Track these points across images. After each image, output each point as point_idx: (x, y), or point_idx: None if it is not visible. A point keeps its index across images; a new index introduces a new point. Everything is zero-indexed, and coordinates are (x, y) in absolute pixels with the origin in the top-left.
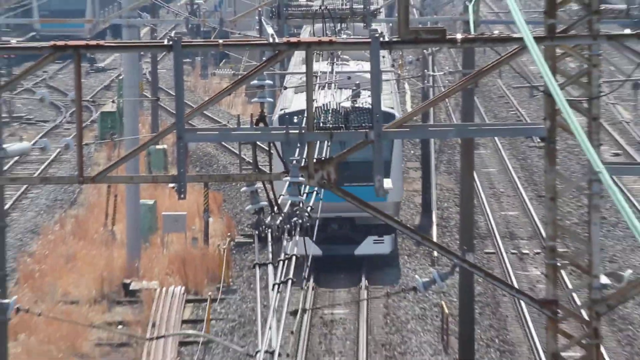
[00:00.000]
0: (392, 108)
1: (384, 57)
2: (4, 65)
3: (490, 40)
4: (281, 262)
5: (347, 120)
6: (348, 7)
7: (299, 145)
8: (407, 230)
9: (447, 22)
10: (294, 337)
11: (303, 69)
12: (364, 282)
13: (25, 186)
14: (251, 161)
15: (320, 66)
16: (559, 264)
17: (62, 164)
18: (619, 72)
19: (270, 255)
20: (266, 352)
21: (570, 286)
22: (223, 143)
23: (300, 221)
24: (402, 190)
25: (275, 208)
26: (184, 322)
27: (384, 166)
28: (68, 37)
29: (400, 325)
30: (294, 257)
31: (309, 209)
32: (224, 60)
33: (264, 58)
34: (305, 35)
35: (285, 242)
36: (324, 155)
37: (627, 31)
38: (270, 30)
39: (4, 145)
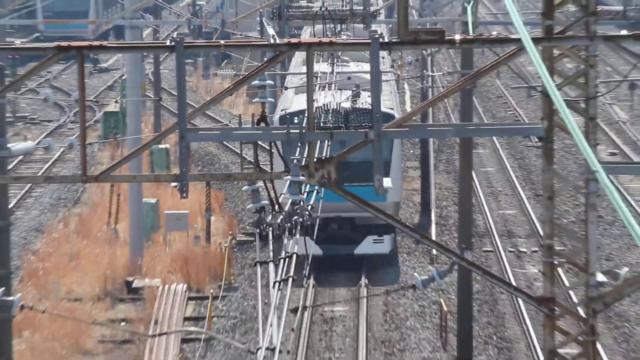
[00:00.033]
0: (392, 109)
1: (383, 57)
2: (9, 66)
3: (489, 41)
4: (282, 261)
5: (347, 120)
6: (348, 8)
7: (299, 144)
8: (407, 228)
9: (446, 23)
10: (295, 334)
11: (303, 69)
12: (363, 280)
13: (29, 185)
14: (252, 160)
15: (321, 67)
16: (556, 262)
17: (66, 163)
18: (616, 72)
19: (271, 254)
20: (267, 349)
21: (567, 284)
22: (224, 143)
23: (300, 220)
24: (401, 190)
25: (276, 207)
26: (186, 319)
27: (384, 166)
28: (72, 38)
29: (400, 323)
30: (294, 256)
31: (309, 207)
32: (225, 61)
33: (265, 59)
34: (306, 36)
35: (286, 241)
36: (324, 155)
37: (624, 32)
38: (271, 31)
39: (9, 145)
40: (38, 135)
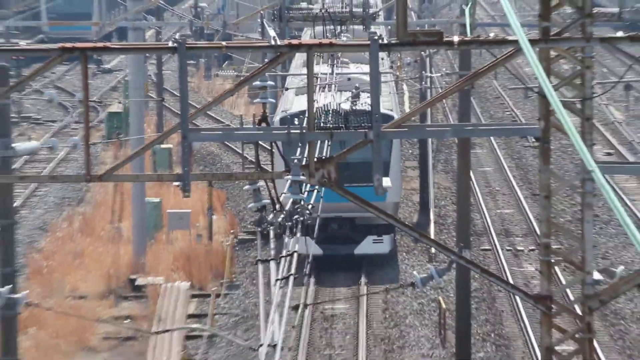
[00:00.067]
0: (391, 110)
1: (382, 59)
2: (13, 67)
3: (486, 43)
4: (283, 259)
5: (347, 121)
6: (348, 10)
7: (300, 144)
8: (406, 227)
9: (444, 25)
10: (296, 331)
11: (304, 71)
12: (363, 280)
13: (34, 184)
14: (253, 160)
15: (321, 69)
16: (553, 261)
17: (70, 163)
18: (612, 73)
19: (273, 252)
20: (269, 345)
21: (564, 282)
22: (226, 143)
23: (301, 218)
24: (400, 190)
25: (277, 206)
26: (189, 316)
27: (383, 166)
28: (75, 39)
29: (399, 320)
30: (295, 254)
31: (310, 206)
32: (227, 62)
33: (266, 60)
34: (306, 37)
35: (286, 239)
36: (323, 156)
37: (620, 34)
38: (272, 33)
39: (13, 145)
40: (43, 135)
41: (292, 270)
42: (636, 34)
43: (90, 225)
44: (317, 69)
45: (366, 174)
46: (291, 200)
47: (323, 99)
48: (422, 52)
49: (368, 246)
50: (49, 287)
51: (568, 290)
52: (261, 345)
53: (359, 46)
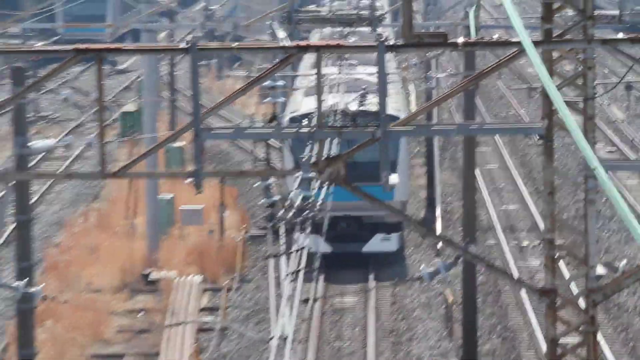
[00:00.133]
0: (399, 110)
1: (389, 60)
2: (30, 68)
3: (490, 44)
4: (293, 254)
5: (355, 121)
6: (355, 13)
7: (309, 143)
8: (413, 223)
9: (449, 27)
10: (306, 324)
11: (312, 72)
12: (371, 276)
13: (51, 181)
14: (264, 158)
15: (329, 70)
16: (557, 255)
17: (86, 160)
18: (613, 74)
19: (284, 247)
20: (279, 338)
21: (568, 276)
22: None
23: (310, 214)
24: (408, 189)
25: (287, 202)
26: (201, 309)
27: (391, 165)
28: (90, 41)
29: (407, 313)
30: (305, 249)
31: (318, 203)
32: (238, 63)
33: (275, 60)
34: (314, 39)
35: (296, 235)
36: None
37: (620, 35)
38: (281, 35)
39: (30, 143)
40: (59, 134)
41: (302, 265)
42: (636, 35)
43: (106, 221)
44: (324, 71)
45: (374, 173)
46: (301, 196)
47: (331, 100)
48: (427, 54)
49: (376, 244)
50: (65, 281)
51: (572, 284)
52: (272, 337)
53: (366, 47)
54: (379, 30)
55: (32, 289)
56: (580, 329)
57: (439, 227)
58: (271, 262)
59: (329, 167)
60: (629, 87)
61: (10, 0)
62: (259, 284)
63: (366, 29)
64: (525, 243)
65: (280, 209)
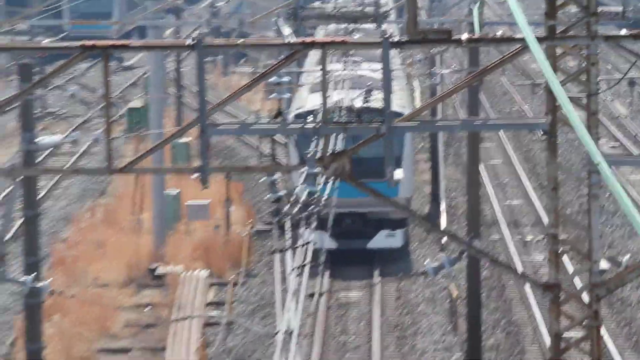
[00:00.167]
0: (404, 107)
1: (394, 56)
2: (37, 64)
3: (494, 41)
4: (299, 249)
5: (360, 117)
6: (360, 9)
7: (314, 139)
8: (418, 218)
9: (453, 23)
10: (312, 318)
11: (317, 68)
12: (377, 271)
13: (58, 176)
14: (269, 154)
15: (334, 67)
16: (560, 250)
17: (92, 156)
18: (616, 70)
19: (289, 242)
20: (285, 332)
21: (571, 271)
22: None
23: (316, 209)
24: (413, 185)
25: (292, 197)
26: (207, 304)
27: (395, 161)
28: (97, 37)
29: (412, 308)
30: (310, 244)
31: (323, 199)
32: (243, 59)
33: (280, 57)
34: (319, 36)
35: (302, 230)
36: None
37: (624, 32)
38: (286, 31)
39: (37, 139)
40: (66, 130)
41: (308, 260)
42: (639, 32)
43: (112, 216)
44: (329, 67)
45: (378, 169)
46: (307, 191)
47: (336, 96)
48: (432, 50)
49: (381, 240)
50: (72, 276)
51: (576, 279)
52: (278, 332)
53: (371, 44)
54: (384, 26)
55: (40, 284)
56: (584, 323)
57: (443, 222)
58: (277, 256)
59: (334, 163)
60: (632, 83)
61: None
62: (264, 279)
63: (371, 26)
64: (529, 238)
65: (285, 204)
